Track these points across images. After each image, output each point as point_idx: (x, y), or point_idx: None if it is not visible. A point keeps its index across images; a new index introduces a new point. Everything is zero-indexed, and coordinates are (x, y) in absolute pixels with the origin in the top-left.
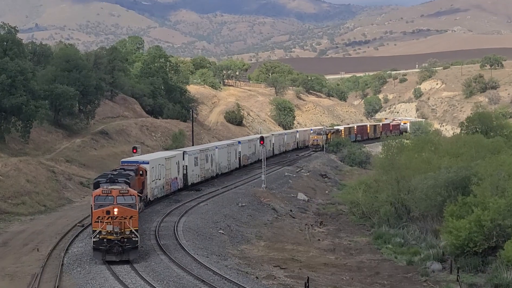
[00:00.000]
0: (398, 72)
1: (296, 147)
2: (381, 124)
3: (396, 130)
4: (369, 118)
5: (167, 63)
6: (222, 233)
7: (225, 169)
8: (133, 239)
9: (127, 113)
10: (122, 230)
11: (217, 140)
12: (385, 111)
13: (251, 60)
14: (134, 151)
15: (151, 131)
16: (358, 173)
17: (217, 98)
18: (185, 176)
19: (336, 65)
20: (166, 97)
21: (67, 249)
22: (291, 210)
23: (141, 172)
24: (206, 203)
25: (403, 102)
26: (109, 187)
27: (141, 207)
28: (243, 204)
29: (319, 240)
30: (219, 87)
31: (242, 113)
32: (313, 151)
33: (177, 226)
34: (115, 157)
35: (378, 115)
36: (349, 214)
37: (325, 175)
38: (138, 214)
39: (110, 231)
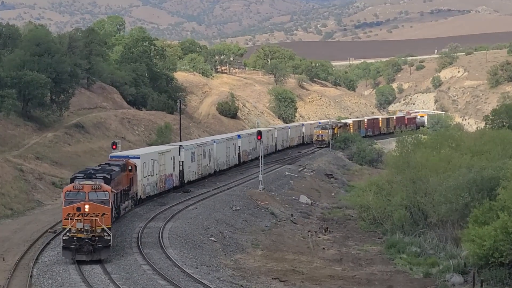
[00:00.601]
0: (414, 58)
1: (301, 142)
2: (395, 117)
3: (412, 124)
4: (381, 111)
5: (152, 47)
6: (214, 241)
7: (224, 165)
8: (105, 237)
9: (106, 103)
10: (93, 228)
11: (208, 135)
12: (400, 102)
13: (247, 44)
14: (114, 147)
15: (133, 124)
16: (369, 173)
17: (208, 87)
18: (181, 173)
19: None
20: (150, 86)
21: (36, 259)
22: (292, 215)
23: (129, 168)
24: (195, 207)
25: (420, 92)
26: (81, 183)
27: (129, 205)
28: (238, 208)
29: (324, 249)
30: (211, 75)
31: (236, 104)
32: (318, 147)
33: (162, 233)
34: (91, 154)
35: (391, 107)
36: (358, 219)
37: (331, 175)
38: (118, 211)
39: (80, 229)
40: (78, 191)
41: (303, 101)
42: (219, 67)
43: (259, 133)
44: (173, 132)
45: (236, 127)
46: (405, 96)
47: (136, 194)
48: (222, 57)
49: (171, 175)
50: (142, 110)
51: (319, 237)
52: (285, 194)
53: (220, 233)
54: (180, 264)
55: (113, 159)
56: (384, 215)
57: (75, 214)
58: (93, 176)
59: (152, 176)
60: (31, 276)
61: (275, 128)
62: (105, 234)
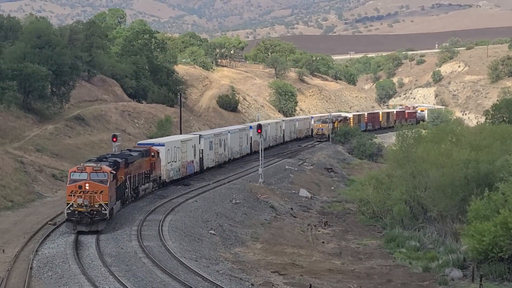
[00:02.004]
0: (415, 52)
1: (310, 134)
2: (395, 112)
3: (412, 119)
4: (381, 105)
5: (152, 40)
6: (213, 234)
7: (237, 154)
8: (103, 211)
9: (107, 96)
10: (92, 203)
11: (208, 128)
12: (400, 96)
13: (248, 37)
14: (114, 139)
15: (133, 117)
16: (369, 167)
17: (208, 80)
18: (201, 160)
19: (345, 44)
20: (150, 79)
21: (36, 251)
22: (291, 209)
23: (152, 154)
24: (195, 200)
25: (420, 86)
26: (85, 164)
27: (149, 187)
28: (238, 201)
29: (323, 242)
30: (211, 68)
31: (237, 98)
32: (318, 141)
33: (162, 226)
34: (92, 146)
35: (391, 102)
36: (358, 213)
37: (331, 169)
38: (137, 192)
39: (81, 203)
40: (82, 172)
41: (303, 94)
42: (219, 61)
43: (259, 127)
44: (173, 125)
45: (237, 121)
46: (406, 90)
47: (160, 177)
48: (222, 50)
49: (192, 161)
50: (142, 103)
51: (318, 231)
52: (285, 188)
53: (220, 226)
54: (180, 256)
55: (139, 146)
56: (384, 209)
57: (77, 191)
58: (104, 159)
59: (175, 162)
60: (31, 268)
61: (283, 120)
62: (103, 209)
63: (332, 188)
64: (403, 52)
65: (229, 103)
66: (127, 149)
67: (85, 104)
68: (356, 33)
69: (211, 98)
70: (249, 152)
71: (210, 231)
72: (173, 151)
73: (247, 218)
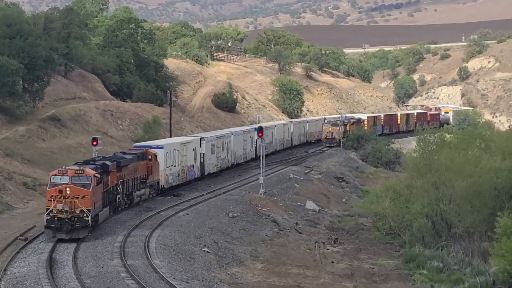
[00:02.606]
0: (438, 46)
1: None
2: (415, 113)
3: (435, 121)
4: (400, 106)
5: (139, 29)
6: (207, 252)
7: (241, 159)
8: (84, 218)
9: (86, 94)
10: (72, 209)
11: (202, 131)
12: (421, 96)
13: (248, 27)
14: (94, 143)
15: (116, 117)
16: (385, 176)
17: (203, 76)
18: (202, 164)
19: (359, 35)
20: (136, 74)
21: (5, 270)
22: (296, 223)
23: (149, 157)
24: (186, 213)
25: (445, 85)
26: (66, 167)
27: (146, 193)
28: (235, 215)
29: (332, 262)
30: (206, 62)
31: (235, 96)
32: (327, 146)
33: (148, 242)
34: (69, 151)
35: (411, 102)
36: (373, 229)
37: (342, 178)
38: (131, 198)
39: (61, 209)
40: (63, 175)
41: (311, 93)
42: (215, 54)
43: (260, 130)
44: (162, 127)
45: (234, 122)
46: (428, 89)
47: (158, 183)
48: (219, 42)
49: (193, 166)
50: (127, 102)
51: (327, 249)
52: (289, 200)
53: (215, 243)
54: (169, 277)
55: (135, 148)
56: (402, 225)
57: (57, 196)
58: (91, 162)
59: (174, 166)
60: None
61: (291, 121)
62: (84, 215)
63: (343, 200)
64: (425, 46)
65: (226, 103)
66: (121, 152)
67: (61, 103)
68: (372, 23)
69: (206, 96)
70: (253, 157)
71: (203, 249)
72: (173, 154)
73: (245, 234)
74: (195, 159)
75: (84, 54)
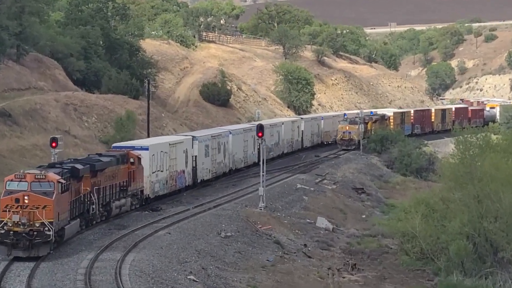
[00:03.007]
0: (482, 24)
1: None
2: (453, 109)
3: (478, 119)
4: (434, 99)
5: (109, 3)
6: (194, 280)
7: (241, 163)
8: (46, 232)
9: (43, 83)
10: (31, 222)
11: (188, 130)
12: (461, 87)
13: (246, 1)
14: (53, 144)
15: (81, 112)
16: (415, 186)
17: (189, 62)
18: (194, 170)
19: (383, 11)
20: (106, 59)
21: None
22: (305, 245)
23: (131, 160)
24: (168, 231)
25: (490, 73)
26: (25, 172)
27: (127, 204)
28: (229, 234)
29: None
30: (193, 44)
31: (229, 87)
32: (343, 149)
33: (120, 268)
34: (21, 154)
35: (449, 94)
36: (400, 252)
37: (362, 189)
38: (108, 209)
39: (17, 221)
40: (20, 180)
41: (323, 83)
42: (204, 34)
43: (260, 129)
44: (138, 124)
45: (228, 119)
46: (469, 78)
47: (142, 191)
48: (209, 19)
49: (183, 171)
50: (94, 93)
51: (343, 278)
52: (296, 216)
53: (203, 270)
54: None
55: (114, 149)
56: (437, 247)
57: (13, 205)
58: (57, 166)
59: (161, 171)
60: None
61: (301, 118)
62: (46, 228)
63: (363, 216)
64: (466, 24)
65: (217, 95)
66: (97, 154)
67: (12, 94)
68: None
69: (192, 87)
70: (256, 160)
71: (188, 277)
72: (160, 157)
73: (241, 259)
74: (186, 163)
75: (41, 33)
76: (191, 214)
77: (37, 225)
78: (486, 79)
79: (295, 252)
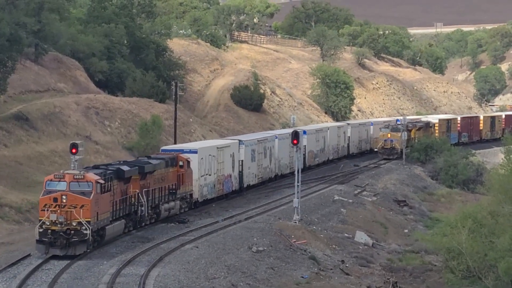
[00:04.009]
0: None
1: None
2: (503, 116)
3: None
4: (483, 106)
5: (135, 0)
6: None
7: (286, 168)
8: (83, 231)
9: (63, 85)
10: (69, 221)
11: (219, 136)
12: None
13: None
14: (74, 150)
15: (103, 117)
16: (462, 199)
17: (219, 63)
18: (240, 174)
19: (429, 10)
20: (131, 60)
21: None
22: (342, 261)
23: (181, 163)
24: (195, 245)
25: None
26: (64, 171)
27: (176, 207)
28: (260, 249)
29: None
30: (224, 44)
31: (262, 91)
32: (385, 159)
33: (144, 284)
34: (39, 161)
35: (499, 101)
36: (444, 270)
37: (404, 201)
38: (157, 212)
39: (54, 220)
40: (60, 180)
41: (364, 87)
42: (236, 33)
43: (295, 136)
44: (164, 130)
45: (261, 125)
46: None
47: (191, 195)
48: (241, 17)
49: (230, 176)
50: (117, 96)
51: None
52: (333, 230)
53: (233, 286)
54: None
55: (163, 153)
56: (484, 265)
57: (52, 205)
58: (102, 167)
59: (209, 175)
60: None
61: (348, 124)
62: (83, 228)
63: (406, 231)
64: None
65: (249, 99)
66: (146, 156)
67: (30, 97)
68: None
69: (223, 90)
70: (301, 166)
71: None
72: (208, 160)
73: (274, 275)
74: (233, 167)
75: (61, 31)
76: (220, 227)
77: (74, 224)
78: None
79: (331, 269)
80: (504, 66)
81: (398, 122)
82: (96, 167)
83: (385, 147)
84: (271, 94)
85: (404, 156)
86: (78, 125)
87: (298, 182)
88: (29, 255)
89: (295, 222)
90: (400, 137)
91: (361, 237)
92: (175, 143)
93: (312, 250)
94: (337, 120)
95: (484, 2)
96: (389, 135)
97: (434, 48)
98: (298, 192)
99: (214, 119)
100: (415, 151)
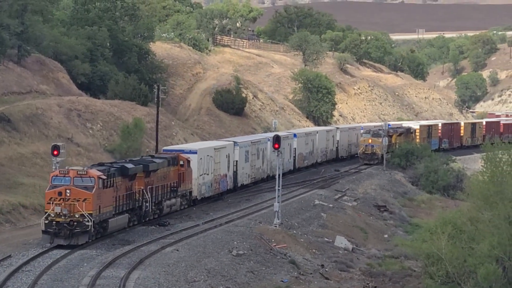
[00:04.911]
0: None
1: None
2: (484, 122)
3: (511, 133)
4: (464, 112)
5: (118, 2)
6: None
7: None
8: (85, 223)
9: (46, 87)
10: (72, 213)
11: (200, 139)
12: (493, 100)
13: (264, 3)
14: (55, 152)
15: (85, 119)
16: (442, 205)
17: (202, 67)
18: (235, 174)
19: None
20: (113, 62)
21: None
22: (322, 266)
23: (181, 163)
24: (176, 248)
25: None
26: (68, 168)
27: (177, 203)
28: (241, 252)
29: None
30: (206, 48)
31: (244, 95)
32: (365, 164)
33: (124, 286)
34: (20, 162)
35: (479, 107)
36: (424, 276)
37: (385, 206)
38: (160, 208)
39: (59, 212)
40: (64, 176)
41: (345, 92)
42: (219, 37)
43: (277, 140)
44: (146, 133)
45: (242, 129)
46: (501, 90)
47: (190, 193)
48: (224, 21)
49: (225, 175)
50: (100, 99)
51: None
52: (313, 234)
53: None
54: None
55: (164, 152)
56: (464, 271)
57: (56, 198)
58: (106, 164)
59: (207, 174)
60: None
61: (337, 128)
62: (85, 219)
63: (386, 236)
64: (500, 32)
65: (231, 103)
66: (149, 155)
67: (12, 98)
68: (429, 1)
69: (205, 94)
70: (292, 168)
71: None
72: (206, 160)
73: (254, 279)
74: (228, 167)
75: (44, 33)
76: (200, 230)
77: (77, 216)
78: None
79: (311, 273)
80: (485, 73)
81: (390, 127)
82: (101, 164)
83: (366, 152)
84: (253, 98)
85: (385, 161)
86: (60, 127)
87: (278, 186)
88: (9, 256)
89: (276, 226)
90: (381, 143)
91: (341, 241)
92: (156, 146)
93: (292, 254)
94: (319, 125)
95: (466, 9)
96: (370, 140)
97: (416, 54)
98: (278, 196)
99: (196, 122)
100: (396, 156)
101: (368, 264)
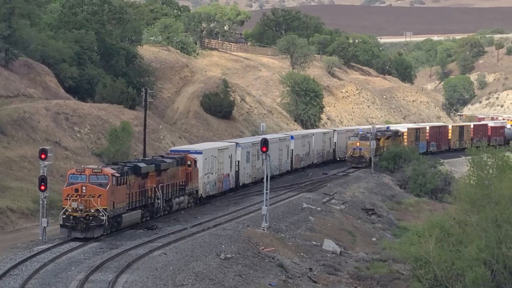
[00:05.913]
0: (505, 36)
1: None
2: (472, 126)
3: (498, 137)
4: (452, 115)
5: (105, 6)
6: None
7: (276, 170)
8: (100, 217)
9: (33, 90)
10: (87, 208)
11: (188, 143)
12: (480, 103)
13: (252, 6)
14: (43, 156)
15: (73, 123)
16: (430, 208)
17: (189, 70)
18: (237, 174)
19: (399, 20)
20: (101, 66)
21: None
22: (310, 269)
23: (189, 163)
24: (163, 252)
25: None
26: (84, 167)
27: (185, 201)
28: (228, 256)
29: None
30: (194, 52)
31: (232, 98)
32: (353, 167)
33: None
34: (8, 166)
35: (467, 110)
36: (412, 279)
37: (372, 210)
38: (170, 205)
39: (75, 208)
40: (81, 174)
41: (333, 95)
42: (206, 41)
43: (265, 143)
44: (134, 136)
45: (230, 133)
46: (489, 93)
47: (197, 191)
48: (212, 25)
49: (228, 175)
50: (87, 102)
51: None
52: (301, 237)
53: None
54: None
55: (172, 153)
56: (452, 274)
57: (73, 194)
58: (120, 163)
59: (212, 174)
60: None
61: (334, 130)
62: (100, 214)
63: (374, 239)
64: (487, 35)
65: (219, 106)
66: (160, 155)
67: (0, 102)
68: (416, 5)
69: (193, 97)
70: (289, 169)
71: None
72: (211, 160)
73: (242, 282)
74: (231, 167)
75: (32, 37)
76: (188, 234)
77: (93, 211)
78: (507, 95)
79: (299, 277)
80: (473, 76)
81: (388, 129)
82: (115, 163)
83: (353, 155)
84: (241, 101)
85: (372, 164)
86: (47, 130)
87: (267, 189)
88: None
89: (264, 230)
90: (369, 146)
91: (329, 245)
92: (144, 149)
93: (280, 258)
94: (306, 128)
95: (454, 12)
96: (358, 143)
97: (404, 57)
98: (266, 199)
99: (184, 126)
100: (383, 159)
101: (356, 268)
